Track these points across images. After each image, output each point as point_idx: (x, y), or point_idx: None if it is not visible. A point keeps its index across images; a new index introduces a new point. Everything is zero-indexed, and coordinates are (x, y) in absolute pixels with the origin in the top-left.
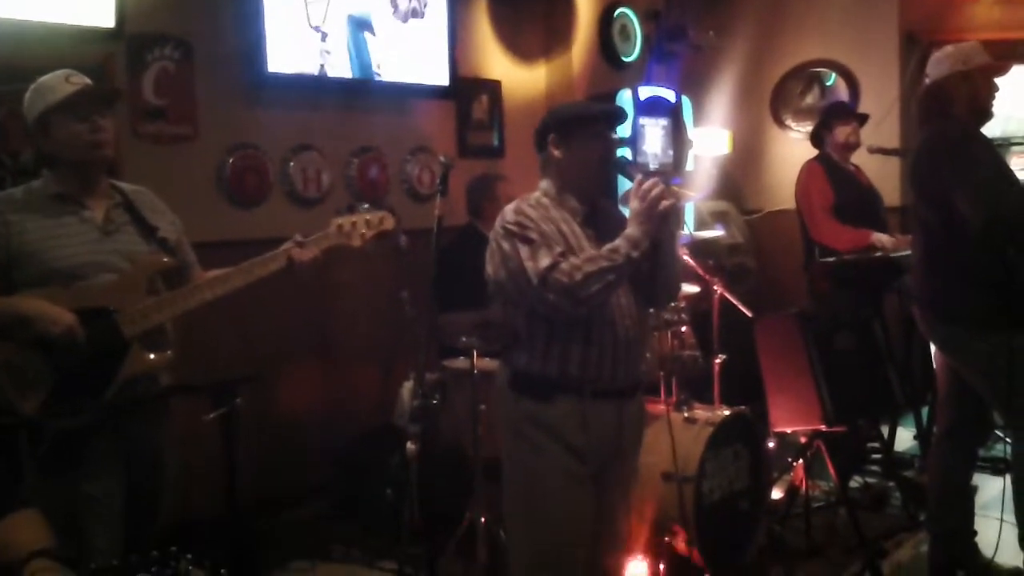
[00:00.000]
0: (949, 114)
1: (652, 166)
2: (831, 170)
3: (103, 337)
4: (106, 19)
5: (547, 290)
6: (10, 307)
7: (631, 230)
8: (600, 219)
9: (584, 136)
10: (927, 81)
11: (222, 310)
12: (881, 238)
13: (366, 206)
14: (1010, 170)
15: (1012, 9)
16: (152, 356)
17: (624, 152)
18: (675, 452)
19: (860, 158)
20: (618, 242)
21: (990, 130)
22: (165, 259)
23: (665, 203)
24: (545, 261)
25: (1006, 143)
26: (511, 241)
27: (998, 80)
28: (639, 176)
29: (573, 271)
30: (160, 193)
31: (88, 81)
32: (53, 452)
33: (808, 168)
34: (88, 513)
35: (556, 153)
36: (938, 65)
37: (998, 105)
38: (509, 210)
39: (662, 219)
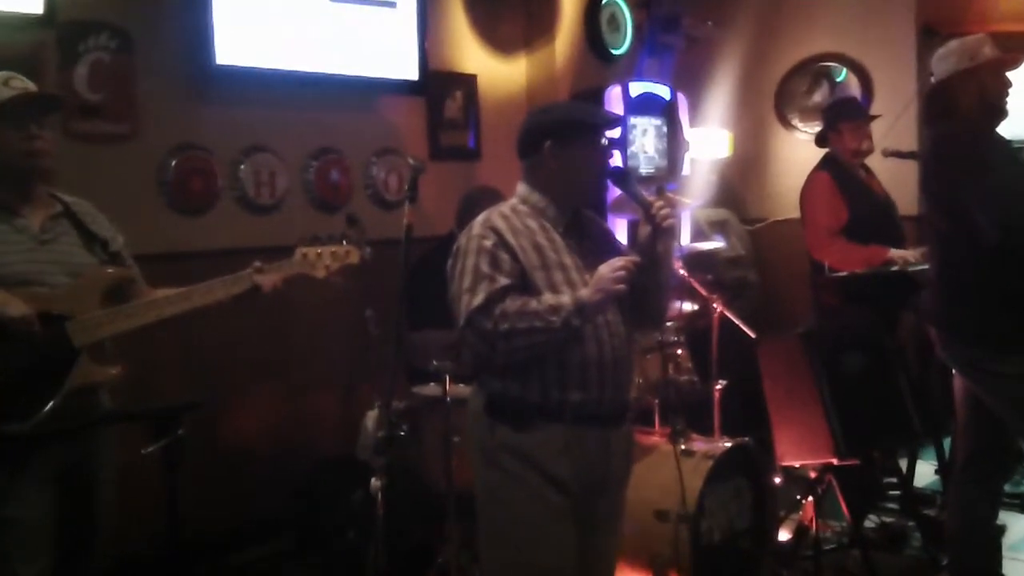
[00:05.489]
0: (956, 115)
1: (644, 170)
2: (842, 180)
3: (52, 343)
4: (34, 5)
5: (469, 329)
6: None
7: (586, 295)
8: (583, 229)
9: (583, 144)
10: (932, 80)
11: (167, 329)
12: (900, 253)
13: (330, 236)
14: None
15: None
16: (101, 369)
17: (618, 161)
18: (682, 486)
19: (872, 161)
20: (564, 301)
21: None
22: (122, 270)
23: (669, 222)
24: (478, 299)
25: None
26: (462, 262)
27: (1012, 75)
28: (652, 199)
29: (500, 319)
30: (95, 199)
31: (30, 86)
32: None
33: (815, 180)
34: (8, 538)
35: (551, 159)
36: (942, 62)
37: (1014, 103)
38: (478, 223)
39: (615, 295)
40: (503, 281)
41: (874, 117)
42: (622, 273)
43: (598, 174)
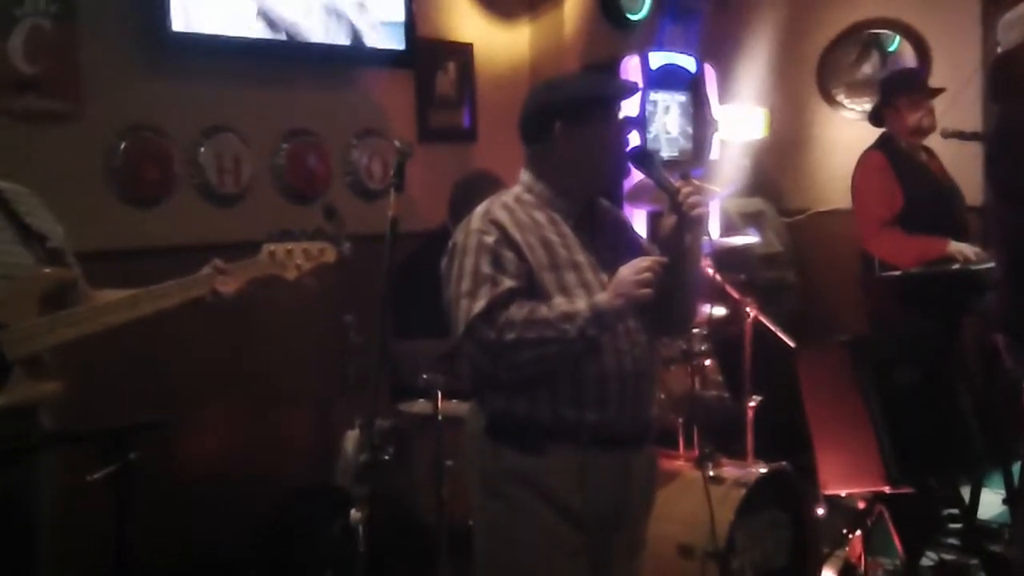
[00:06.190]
0: None
1: (666, 154)
2: (898, 162)
3: None
4: None
5: (468, 339)
6: None
7: (604, 300)
8: (596, 221)
9: (599, 121)
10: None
11: (114, 338)
12: (960, 248)
13: (303, 231)
14: None
15: None
16: (38, 385)
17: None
18: (711, 518)
19: (932, 143)
20: (579, 307)
21: None
22: (62, 271)
23: (699, 211)
24: (479, 304)
25: None
26: (460, 261)
27: None
28: (678, 184)
29: (505, 328)
30: (32, 188)
31: None
32: None
33: (867, 161)
34: None
35: (564, 144)
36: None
37: None
38: (477, 215)
39: (639, 301)
40: (508, 283)
41: (938, 91)
42: (647, 275)
43: (617, 156)
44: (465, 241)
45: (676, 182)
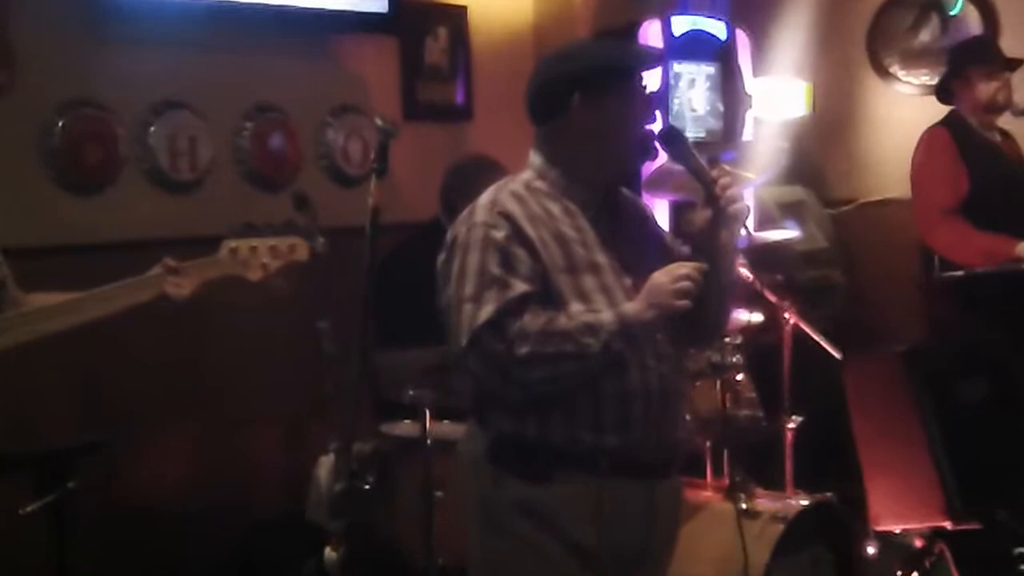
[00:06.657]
0: None
1: (692, 134)
2: (965, 142)
3: None
4: None
5: (472, 351)
6: None
7: (634, 311)
8: (616, 213)
9: (626, 94)
10: None
11: (50, 348)
12: None
13: (269, 224)
14: None
15: None
16: None
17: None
18: (745, 558)
19: (1010, 124)
20: (604, 318)
21: None
22: None
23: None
24: (486, 311)
25: None
26: (462, 259)
27: None
28: (715, 171)
29: (517, 340)
30: None
31: None
32: None
33: (930, 139)
34: None
35: (583, 120)
36: None
37: None
38: (482, 206)
39: (674, 313)
40: (520, 287)
41: (1018, 62)
42: (686, 284)
43: (644, 135)
44: (468, 236)
45: (712, 170)
